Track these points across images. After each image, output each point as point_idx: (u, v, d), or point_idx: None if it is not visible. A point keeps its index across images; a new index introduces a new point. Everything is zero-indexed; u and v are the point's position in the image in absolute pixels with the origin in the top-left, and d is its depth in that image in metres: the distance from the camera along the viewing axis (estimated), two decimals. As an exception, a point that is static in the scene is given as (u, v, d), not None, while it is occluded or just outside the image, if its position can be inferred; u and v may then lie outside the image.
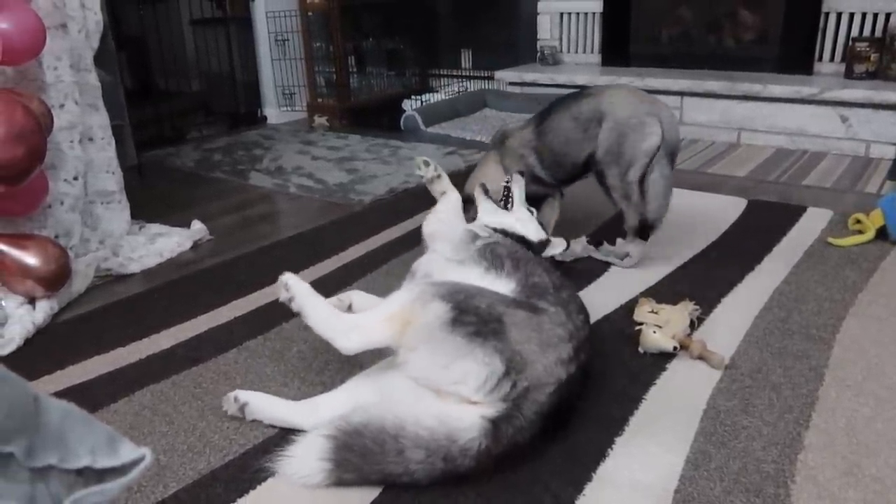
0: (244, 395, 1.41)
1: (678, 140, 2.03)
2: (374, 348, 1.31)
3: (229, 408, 1.42)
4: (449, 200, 1.74)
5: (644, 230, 2.04)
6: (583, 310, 1.45)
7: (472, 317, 1.27)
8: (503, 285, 1.46)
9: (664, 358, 1.58)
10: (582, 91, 2.13)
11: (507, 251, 1.56)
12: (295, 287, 1.35)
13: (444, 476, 1.18)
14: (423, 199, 1.98)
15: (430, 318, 1.27)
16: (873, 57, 3.50)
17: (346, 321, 1.34)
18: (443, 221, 1.71)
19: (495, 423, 1.20)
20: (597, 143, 2.03)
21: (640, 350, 1.61)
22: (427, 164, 1.76)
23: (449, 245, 1.61)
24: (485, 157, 2.35)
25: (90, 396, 1.51)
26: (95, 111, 2.32)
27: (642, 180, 1.98)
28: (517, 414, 1.22)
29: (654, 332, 1.60)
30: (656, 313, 1.70)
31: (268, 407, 1.39)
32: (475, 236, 1.63)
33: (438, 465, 1.18)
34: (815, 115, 3.41)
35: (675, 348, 1.56)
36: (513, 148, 2.24)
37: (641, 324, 1.66)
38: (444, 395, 1.25)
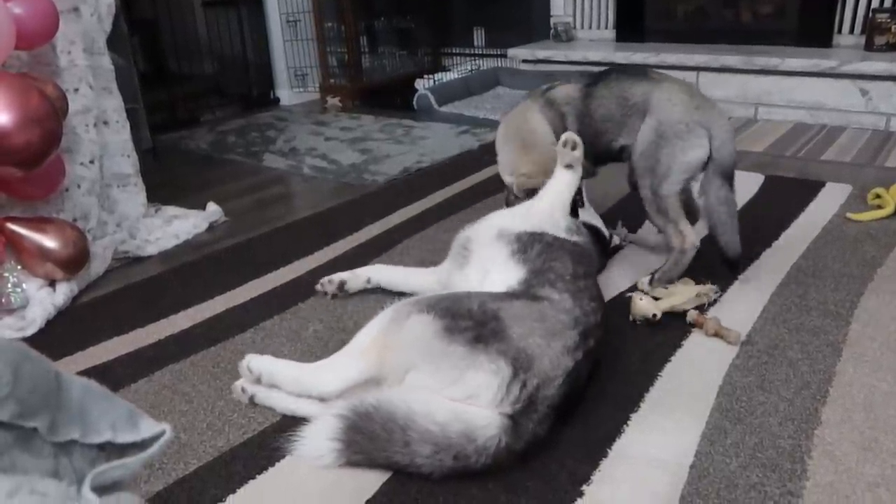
0: (253, 386, 1.39)
1: (732, 159, 1.72)
2: (357, 383, 1.27)
3: (240, 396, 1.41)
4: (565, 178, 1.71)
5: (731, 266, 1.79)
6: (596, 298, 1.42)
7: (466, 321, 1.22)
8: (514, 272, 1.44)
9: (680, 335, 1.58)
10: (643, 70, 1.87)
11: (548, 241, 1.52)
12: (256, 363, 1.36)
13: (455, 473, 1.14)
14: (436, 179, 1.97)
15: (418, 331, 1.23)
16: (894, 28, 3.42)
17: (317, 366, 1.33)
18: (558, 193, 1.69)
19: (514, 419, 1.18)
20: (634, 140, 1.77)
21: (630, 318, 1.62)
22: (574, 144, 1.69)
23: (556, 215, 1.64)
24: (520, 108, 2.01)
25: (111, 377, 1.53)
26: (109, 94, 2.33)
27: (689, 201, 1.81)
28: (534, 408, 1.19)
29: (641, 299, 1.62)
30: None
31: (280, 395, 1.36)
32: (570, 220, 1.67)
33: (447, 462, 1.14)
34: (834, 88, 3.35)
35: (654, 315, 1.58)
36: (556, 101, 1.93)
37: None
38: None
